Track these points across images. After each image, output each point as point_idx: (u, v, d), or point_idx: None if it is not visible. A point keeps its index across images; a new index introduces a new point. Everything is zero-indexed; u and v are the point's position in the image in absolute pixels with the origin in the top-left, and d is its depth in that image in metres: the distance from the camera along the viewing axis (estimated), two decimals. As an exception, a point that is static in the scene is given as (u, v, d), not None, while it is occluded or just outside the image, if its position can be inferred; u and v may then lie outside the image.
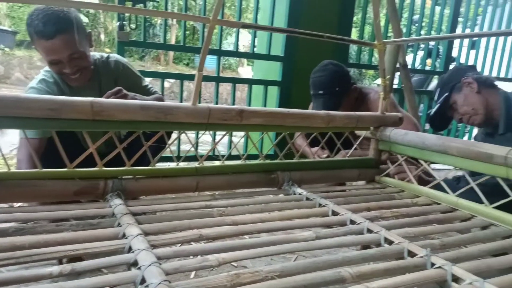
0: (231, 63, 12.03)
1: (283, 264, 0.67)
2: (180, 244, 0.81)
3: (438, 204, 1.15)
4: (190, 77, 2.70)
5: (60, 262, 0.90)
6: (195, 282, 0.59)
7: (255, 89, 2.73)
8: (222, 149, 3.23)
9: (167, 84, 7.80)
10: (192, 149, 1.20)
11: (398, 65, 2.38)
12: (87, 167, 0.99)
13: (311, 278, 0.64)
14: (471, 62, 3.42)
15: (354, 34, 4.25)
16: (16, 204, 1.30)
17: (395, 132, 1.30)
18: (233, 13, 10.67)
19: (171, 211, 0.97)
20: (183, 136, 1.17)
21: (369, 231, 0.88)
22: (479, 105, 1.43)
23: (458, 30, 3.40)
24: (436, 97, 1.61)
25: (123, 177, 1.02)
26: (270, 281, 0.62)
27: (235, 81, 2.81)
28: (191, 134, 2.40)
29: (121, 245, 0.71)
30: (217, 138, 2.59)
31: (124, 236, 0.75)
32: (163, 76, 2.52)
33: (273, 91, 2.70)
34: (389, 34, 3.01)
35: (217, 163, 1.16)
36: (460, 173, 1.20)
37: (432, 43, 3.74)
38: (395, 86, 3.03)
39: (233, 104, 2.63)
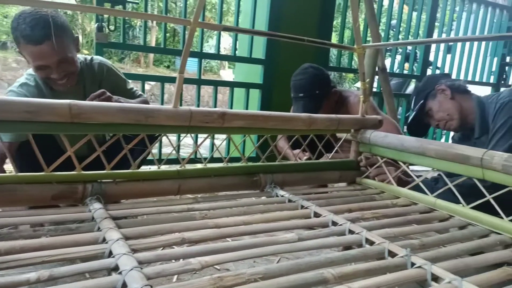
0: (213, 66, 12.00)
1: (266, 266, 0.67)
2: (162, 248, 0.80)
3: (417, 204, 1.17)
4: (171, 80, 2.67)
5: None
6: (177, 286, 0.58)
7: (237, 91, 2.73)
8: (204, 152, 3.21)
9: (147, 86, 7.72)
10: (174, 152, 1.19)
11: (377, 69, 2.43)
12: (68, 171, 0.96)
13: (294, 280, 0.64)
14: (447, 66, 3.51)
15: (334, 38, 4.31)
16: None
17: (375, 135, 1.33)
18: (214, 16, 10.67)
19: (153, 214, 0.95)
20: (164, 139, 1.16)
21: (351, 232, 0.89)
22: (453, 111, 1.47)
23: (435, 35, 3.49)
24: (412, 105, 1.65)
25: (103, 180, 1.01)
26: (253, 283, 0.62)
27: (216, 83, 2.81)
28: (173, 137, 2.38)
29: (101, 250, 0.70)
30: (199, 140, 2.58)
31: (104, 240, 0.74)
32: (143, 78, 2.49)
33: (255, 94, 2.71)
34: (368, 39, 3.06)
35: (199, 166, 1.15)
36: (437, 174, 1.23)
37: (409, 47, 3.82)
38: (374, 90, 3.08)
39: (215, 106, 2.62)
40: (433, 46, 3.45)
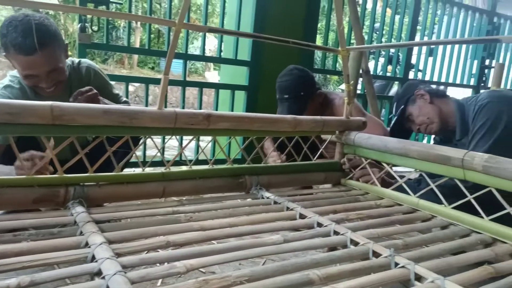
0: (198, 67, 11.94)
1: (252, 269, 0.67)
2: (146, 252, 0.79)
3: (400, 205, 1.18)
4: (156, 81, 2.65)
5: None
6: (162, 290, 0.58)
7: (222, 93, 2.73)
8: (189, 154, 3.19)
9: (131, 88, 7.63)
10: (159, 154, 1.18)
11: (361, 71, 2.46)
12: (51, 174, 0.95)
13: (280, 282, 0.64)
14: (429, 68, 3.58)
15: (319, 41, 4.34)
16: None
17: (359, 136, 1.34)
18: (199, 17, 10.62)
19: (137, 218, 0.94)
20: (149, 141, 1.15)
21: (336, 233, 0.90)
22: (433, 114, 1.50)
23: (417, 38, 3.55)
24: (393, 111, 1.68)
25: (86, 183, 0.99)
26: (239, 286, 0.62)
27: (201, 85, 2.80)
28: (157, 139, 2.36)
29: (83, 254, 0.69)
30: (184, 142, 2.56)
31: (87, 245, 0.73)
32: (127, 79, 2.46)
33: (240, 95, 2.71)
34: (352, 41, 3.10)
35: (184, 168, 1.14)
36: (420, 174, 1.25)
37: (392, 50, 3.88)
38: (358, 92, 3.12)
39: (200, 108, 2.61)
40: (415, 49, 3.51)
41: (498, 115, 1.31)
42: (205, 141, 3.75)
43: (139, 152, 2.40)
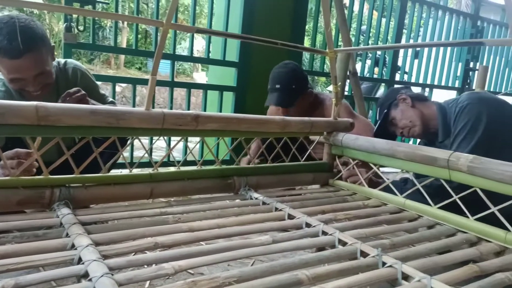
0: (186, 68, 11.89)
1: (241, 269, 0.67)
2: (134, 253, 0.78)
3: (387, 205, 1.20)
4: (143, 82, 2.63)
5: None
6: (150, 291, 0.57)
7: (210, 94, 2.72)
8: (177, 155, 3.17)
9: (118, 88, 7.55)
10: (146, 155, 1.17)
11: (348, 73, 2.48)
12: (36, 175, 0.93)
13: (268, 282, 0.64)
14: (414, 70, 3.62)
15: (306, 42, 4.37)
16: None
17: (347, 137, 1.35)
18: (186, 18, 10.58)
19: (124, 219, 0.93)
20: (136, 141, 1.14)
21: (324, 233, 0.90)
22: (415, 118, 1.54)
23: (403, 41, 3.60)
24: (377, 116, 1.70)
25: (72, 185, 0.98)
26: (228, 286, 0.62)
27: (189, 86, 2.78)
28: (145, 140, 2.34)
29: (70, 257, 0.68)
30: (172, 143, 2.54)
31: (73, 247, 0.72)
32: (114, 80, 2.43)
33: (228, 96, 2.70)
34: (339, 43, 3.12)
35: (172, 169, 1.14)
36: (407, 175, 1.26)
37: (379, 52, 3.92)
38: (346, 93, 3.14)
39: (188, 109, 2.60)
40: (401, 52, 3.55)
41: (478, 116, 1.34)
42: (193, 142, 3.73)
43: (126, 153, 2.37)
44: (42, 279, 0.60)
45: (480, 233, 0.97)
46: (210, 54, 2.70)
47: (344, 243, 0.85)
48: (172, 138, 2.42)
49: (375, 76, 3.85)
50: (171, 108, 2.55)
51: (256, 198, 1.14)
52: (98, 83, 1.61)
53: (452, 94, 4.02)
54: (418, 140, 1.78)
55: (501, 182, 0.92)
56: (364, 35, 3.62)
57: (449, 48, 3.79)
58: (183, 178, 1.13)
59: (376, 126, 1.68)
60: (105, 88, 1.75)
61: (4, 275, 0.63)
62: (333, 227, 0.93)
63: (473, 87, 3.65)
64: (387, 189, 1.24)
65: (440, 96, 3.60)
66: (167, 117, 1.03)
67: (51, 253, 0.68)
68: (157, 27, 2.24)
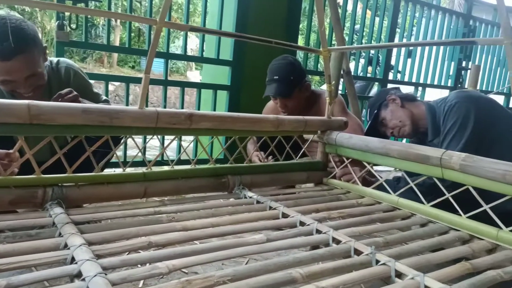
0: (179, 67, 11.86)
1: (235, 268, 0.67)
2: (127, 253, 0.78)
3: (381, 203, 1.20)
4: (136, 80, 2.62)
5: None
6: (144, 291, 0.57)
7: (204, 93, 2.71)
8: (171, 154, 3.16)
9: (111, 87, 7.52)
10: (140, 154, 1.16)
11: (342, 72, 2.48)
12: (29, 175, 0.92)
13: (263, 281, 0.64)
14: (407, 70, 3.64)
15: (301, 41, 4.37)
16: None
17: (341, 136, 1.35)
18: (180, 16, 10.55)
19: (118, 218, 0.93)
20: (129, 140, 1.13)
21: (318, 231, 0.91)
22: (405, 117, 1.55)
23: (396, 40, 3.61)
24: (368, 117, 1.72)
25: (64, 184, 0.97)
26: (222, 285, 0.62)
27: (183, 84, 2.77)
28: (138, 139, 2.33)
29: (62, 256, 0.67)
30: (166, 142, 2.53)
31: (66, 246, 0.71)
32: (107, 78, 2.42)
33: (222, 95, 2.70)
34: (333, 42, 3.13)
35: (166, 168, 1.13)
36: (400, 173, 1.27)
37: (372, 51, 3.94)
38: (339, 92, 3.15)
39: (182, 108, 2.59)
40: (395, 51, 3.57)
41: (466, 114, 1.35)
42: (187, 141, 3.72)
43: (119, 152, 2.36)
44: (34, 279, 0.60)
45: (472, 231, 0.98)
46: (204, 53, 2.69)
47: (338, 242, 0.86)
48: (166, 137, 2.41)
49: (368, 75, 3.87)
50: (164, 107, 2.54)
51: (250, 197, 1.14)
52: (91, 81, 1.60)
53: (445, 93, 4.05)
54: (410, 141, 1.79)
55: (493, 180, 0.93)
56: (358, 34, 3.64)
57: (441, 48, 3.81)
58: (177, 177, 1.13)
59: (367, 127, 1.69)
60: (98, 87, 1.73)
61: (-4, 275, 0.62)
62: (327, 225, 0.94)
63: (466, 86, 3.68)
64: (380, 188, 1.25)
65: (433, 95, 3.63)
66: (161, 115, 1.03)
67: (43, 253, 0.68)
68: (151, 25, 2.23)
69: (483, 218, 0.98)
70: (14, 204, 0.90)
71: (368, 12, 3.39)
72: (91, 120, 0.94)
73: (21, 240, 0.75)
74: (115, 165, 2.13)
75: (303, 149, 1.42)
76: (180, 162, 2.23)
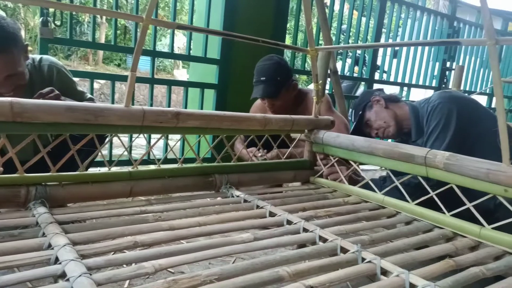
0: (166, 65, 11.77)
1: (222, 267, 0.66)
2: (113, 253, 0.77)
3: (367, 202, 1.21)
4: (122, 78, 2.59)
5: None
6: (130, 291, 0.57)
7: (191, 92, 2.69)
8: (157, 152, 3.14)
9: (96, 85, 7.41)
10: (126, 153, 1.15)
11: (329, 71, 2.50)
12: (12, 174, 0.90)
13: (250, 279, 0.64)
14: (393, 70, 3.68)
15: (288, 41, 4.38)
16: None
17: (328, 135, 1.36)
18: (167, 14, 10.46)
19: (103, 218, 0.92)
20: (115, 139, 1.12)
21: (305, 230, 0.91)
22: (389, 118, 1.58)
23: (382, 40, 3.65)
24: (352, 118, 1.73)
25: (48, 183, 0.95)
26: (209, 285, 0.62)
27: (170, 83, 2.75)
28: (124, 138, 2.30)
29: (46, 257, 0.66)
30: (152, 141, 2.51)
31: (49, 246, 0.70)
32: (92, 76, 2.38)
33: (210, 94, 2.68)
34: (320, 42, 3.14)
35: (152, 167, 1.12)
36: (385, 173, 1.28)
37: (359, 51, 3.97)
38: (326, 91, 3.17)
39: (169, 107, 2.57)
40: (381, 51, 3.60)
41: (449, 114, 1.38)
42: (174, 139, 3.70)
43: (105, 151, 2.33)
44: (17, 280, 0.59)
45: (456, 229, 0.99)
46: (191, 51, 2.68)
47: (324, 240, 0.86)
48: (153, 135, 2.39)
49: (355, 75, 3.90)
50: (151, 106, 2.52)
51: (238, 196, 1.14)
52: (76, 79, 1.57)
53: (430, 93, 4.11)
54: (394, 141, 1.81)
55: (476, 178, 0.94)
56: (345, 34, 3.66)
57: (426, 48, 3.86)
58: (164, 176, 1.12)
59: (352, 128, 1.71)
60: (82, 85, 1.71)
61: (-23, 276, 0.61)
62: (314, 224, 0.94)
63: (450, 87, 3.74)
64: (367, 187, 1.26)
65: (418, 95, 3.68)
66: (147, 114, 1.02)
67: (27, 253, 0.67)
68: (137, 22, 2.21)
69: (466, 216, 1.00)
70: (-4, 204, 0.88)
71: (355, 13, 3.42)
72: (75, 118, 0.92)
73: (4, 241, 0.73)
74: (101, 164, 2.10)
75: (290, 148, 1.43)
76: (166, 161, 2.21)
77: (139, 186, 1.07)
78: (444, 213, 1.04)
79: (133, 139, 1.38)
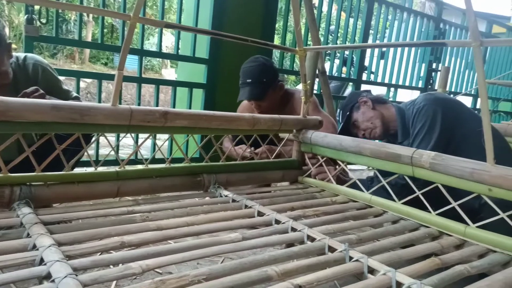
0: (154, 64, 11.68)
1: (210, 267, 0.66)
2: (99, 253, 0.76)
3: (355, 201, 1.22)
4: (109, 77, 2.56)
5: None
6: (116, 291, 0.56)
7: (180, 91, 2.68)
8: (145, 152, 3.11)
9: (83, 84, 7.31)
10: (112, 152, 1.14)
11: (317, 72, 2.51)
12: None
13: (238, 279, 0.64)
14: (380, 70, 3.72)
15: (276, 41, 4.39)
16: None
17: (316, 135, 1.37)
18: (155, 13, 10.38)
19: (89, 218, 0.91)
20: (102, 139, 1.10)
21: (293, 229, 0.91)
22: (376, 119, 1.60)
23: (369, 41, 3.68)
24: (340, 119, 1.75)
25: (33, 183, 0.94)
26: (197, 285, 0.61)
27: (158, 82, 2.73)
28: (111, 137, 2.28)
29: (31, 257, 0.65)
30: (140, 141, 2.49)
31: (34, 247, 0.69)
32: (79, 75, 2.35)
33: (198, 93, 2.67)
34: (308, 42, 3.16)
35: (140, 166, 1.11)
36: (372, 173, 1.30)
37: (346, 52, 4.00)
38: (315, 92, 3.19)
39: (157, 106, 2.55)
40: (368, 52, 3.64)
41: (434, 116, 1.40)
42: (162, 139, 3.67)
43: (91, 151, 2.30)
44: (1, 282, 0.57)
45: (441, 228, 1.01)
46: (179, 51, 2.66)
47: (312, 239, 0.86)
48: (140, 135, 2.37)
49: (343, 75, 3.93)
50: (138, 105, 2.50)
51: (226, 196, 1.14)
52: (61, 78, 1.55)
53: (416, 94, 4.16)
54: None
55: (461, 178, 0.96)
56: (333, 35, 3.68)
57: (413, 50, 3.91)
58: (151, 176, 1.11)
59: (339, 128, 1.72)
60: (68, 84, 1.68)
61: (-41, 278, 0.59)
62: (302, 223, 0.95)
63: (436, 88, 3.79)
64: (354, 186, 1.27)
65: (405, 96, 3.72)
66: (135, 113, 1.01)
67: (11, 254, 0.66)
68: (124, 20, 2.19)
69: (451, 215, 1.01)
70: (-22, 204, 0.86)
71: (343, 14, 3.44)
72: (61, 117, 0.91)
73: (-14, 242, 0.72)
74: (87, 164, 2.07)
75: (279, 148, 1.43)
76: (154, 160, 2.19)
77: (126, 186, 1.06)
78: (430, 212, 1.05)
79: (120, 138, 1.37)
